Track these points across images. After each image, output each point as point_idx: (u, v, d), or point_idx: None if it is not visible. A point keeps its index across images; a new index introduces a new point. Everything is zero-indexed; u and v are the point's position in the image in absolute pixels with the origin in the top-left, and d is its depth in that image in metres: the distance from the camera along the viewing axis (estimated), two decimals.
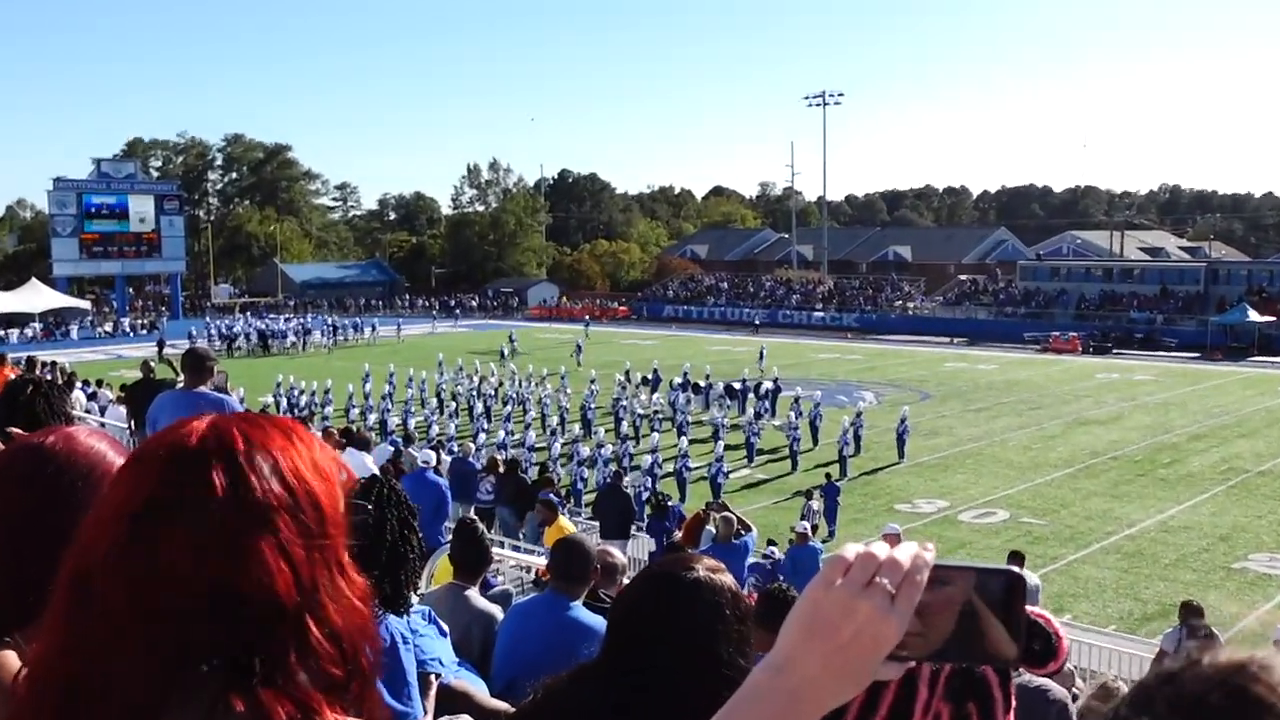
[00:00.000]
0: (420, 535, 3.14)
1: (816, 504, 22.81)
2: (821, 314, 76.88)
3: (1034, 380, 47.45)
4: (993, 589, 1.02)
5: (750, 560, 13.51)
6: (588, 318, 73.80)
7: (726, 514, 13.27)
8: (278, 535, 1.07)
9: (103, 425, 15.84)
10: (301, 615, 1.07)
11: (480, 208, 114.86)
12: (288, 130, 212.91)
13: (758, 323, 74.01)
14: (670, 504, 18.86)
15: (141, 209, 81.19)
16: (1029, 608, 1.07)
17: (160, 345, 50.08)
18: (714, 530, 13.61)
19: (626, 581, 5.64)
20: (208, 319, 71.86)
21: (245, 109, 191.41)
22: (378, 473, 12.41)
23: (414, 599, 3.25)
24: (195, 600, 1.03)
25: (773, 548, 15.86)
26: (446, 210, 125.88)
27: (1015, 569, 1.04)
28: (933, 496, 26.79)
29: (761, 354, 49.90)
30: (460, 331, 73.77)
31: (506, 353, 52.57)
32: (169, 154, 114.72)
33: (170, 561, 1.04)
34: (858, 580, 1.00)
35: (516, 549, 14.84)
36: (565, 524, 13.03)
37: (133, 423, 12.03)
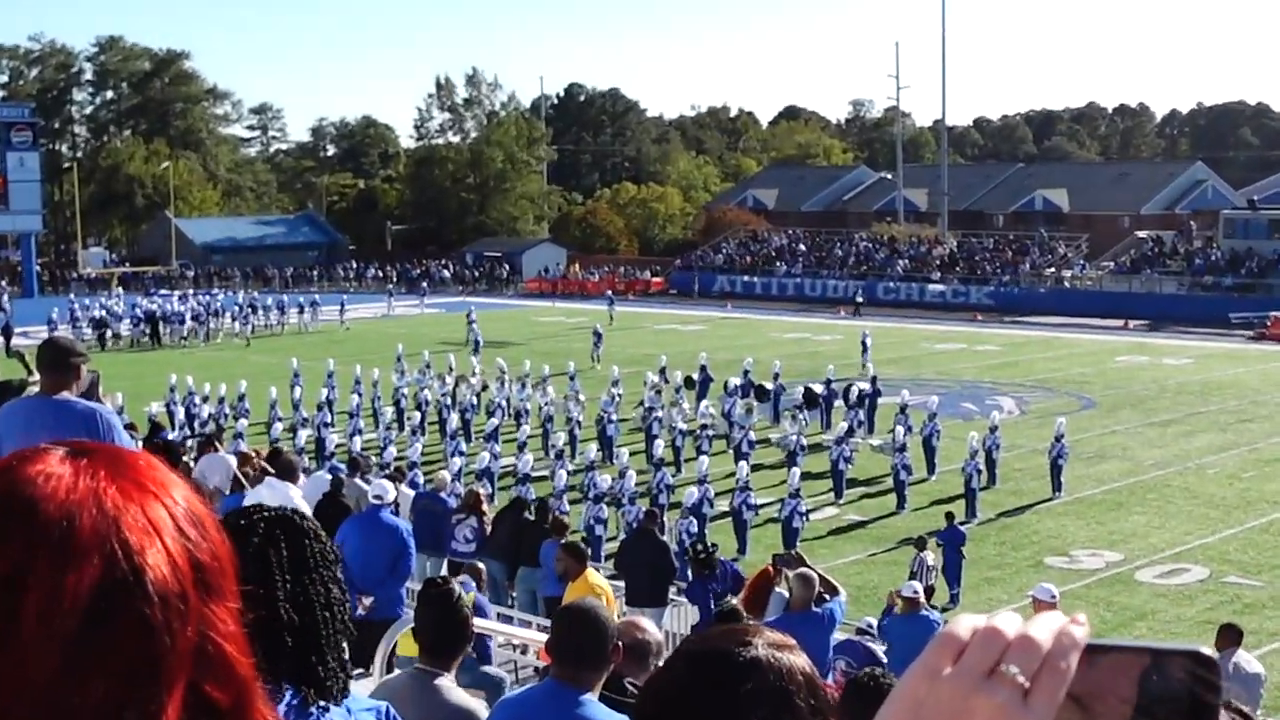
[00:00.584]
0: (343, 586, 3.13)
1: (932, 557, 22.69)
2: (940, 287, 76.65)
3: (1245, 381, 47.19)
4: (1173, 679, 1.00)
5: (837, 636, 13.52)
6: (611, 294, 73.58)
7: (804, 571, 13.25)
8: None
9: None
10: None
11: (455, 138, 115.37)
12: (183, 33, 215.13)
13: (859, 299, 73.68)
14: (721, 557, 18.87)
15: None
16: (1236, 704, 1.05)
17: (7, 334, 50.63)
18: (786, 594, 13.62)
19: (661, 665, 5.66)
20: (73, 296, 72.53)
21: (124, 2, 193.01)
22: (305, 510, 12.49)
23: (349, 685, 3.25)
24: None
25: (868, 619, 15.82)
26: (408, 142, 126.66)
27: (1206, 650, 1.01)
28: (1100, 547, 26.67)
29: (864, 344, 49.48)
30: (428, 313, 74.14)
31: (477, 341, 52.43)
32: (19, 65, 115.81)
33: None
34: (976, 668, 0.99)
35: (508, 620, 14.94)
36: (597, 581, 13.01)
37: None
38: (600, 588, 12.35)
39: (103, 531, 1.14)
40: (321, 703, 2.95)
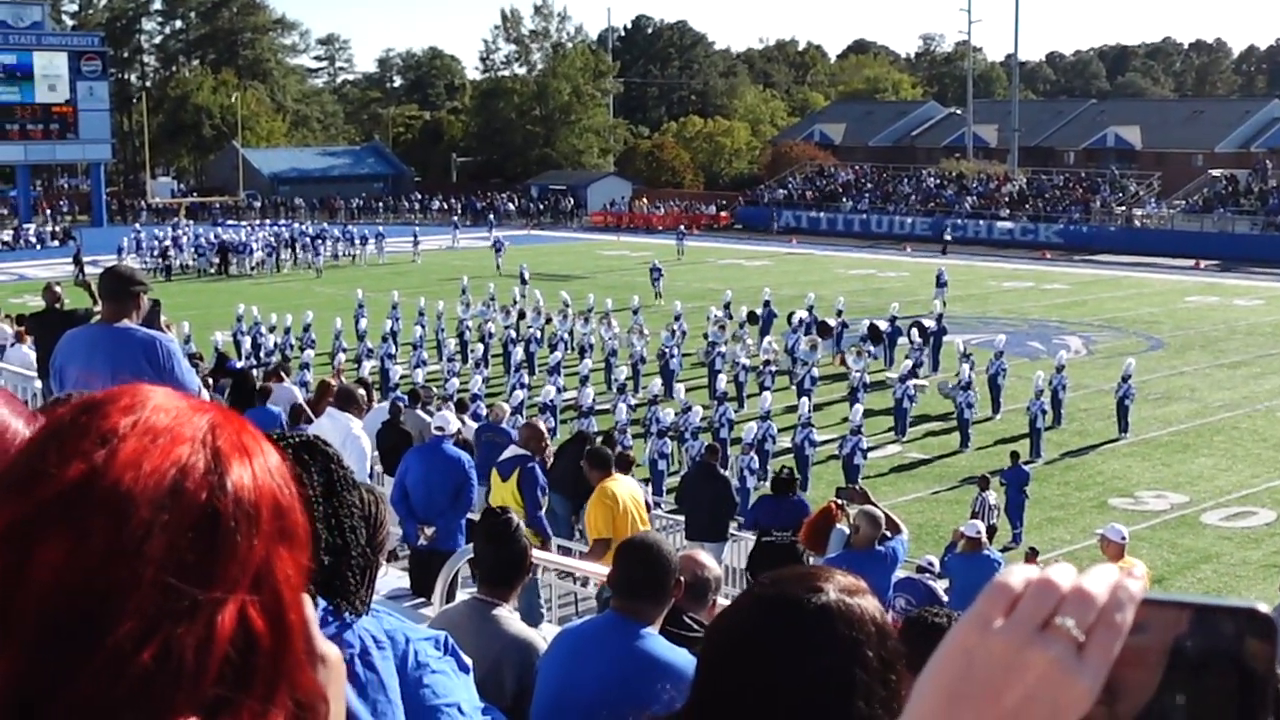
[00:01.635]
0: (365, 508, 3.20)
1: (995, 496, 22.67)
2: (1008, 224, 76.11)
3: None
4: (1222, 637, 0.93)
5: (898, 574, 13.50)
6: (682, 228, 73.38)
7: (868, 508, 13.18)
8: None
9: None
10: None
11: (521, 70, 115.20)
12: None
13: (947, 237, 72.30)
14: (798, 478, 18.76)
15: (51, 71, 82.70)
16: None
17: (78, 262, 51.17)
18: (847, 530, 13.59)
19: (723, 602, 5.63)
20: (139, 226, 73.18)
21: None
22: (366, 444, 12.45)
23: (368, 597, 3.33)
24: None
25: (929, 557, 15.79)
26: (473, 74, 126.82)
27: (1263, 608, 0.94)
28: (1164, 488, 26.55)
29: (940, 279, 49.05)
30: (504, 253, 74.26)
31: (521, 274, 51.72)
32: None
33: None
34: (1029, 620, 0.96)
35: (567, 552, 14.98)
36: (620, 487, 12.03)
37: (40, 370, 12.28)
38: (622, 498, 11.87)
39: (201, 432, 1.20)
40: (349, 615, 3.06)
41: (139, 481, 1.15)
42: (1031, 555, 18.34)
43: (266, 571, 1.19)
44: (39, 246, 72.99)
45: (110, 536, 1.13)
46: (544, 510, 14.29)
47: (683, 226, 75.14)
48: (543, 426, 15.73)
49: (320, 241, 66.09)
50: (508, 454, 13.87)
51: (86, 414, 1.20)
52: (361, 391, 13.36)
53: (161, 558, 1.14)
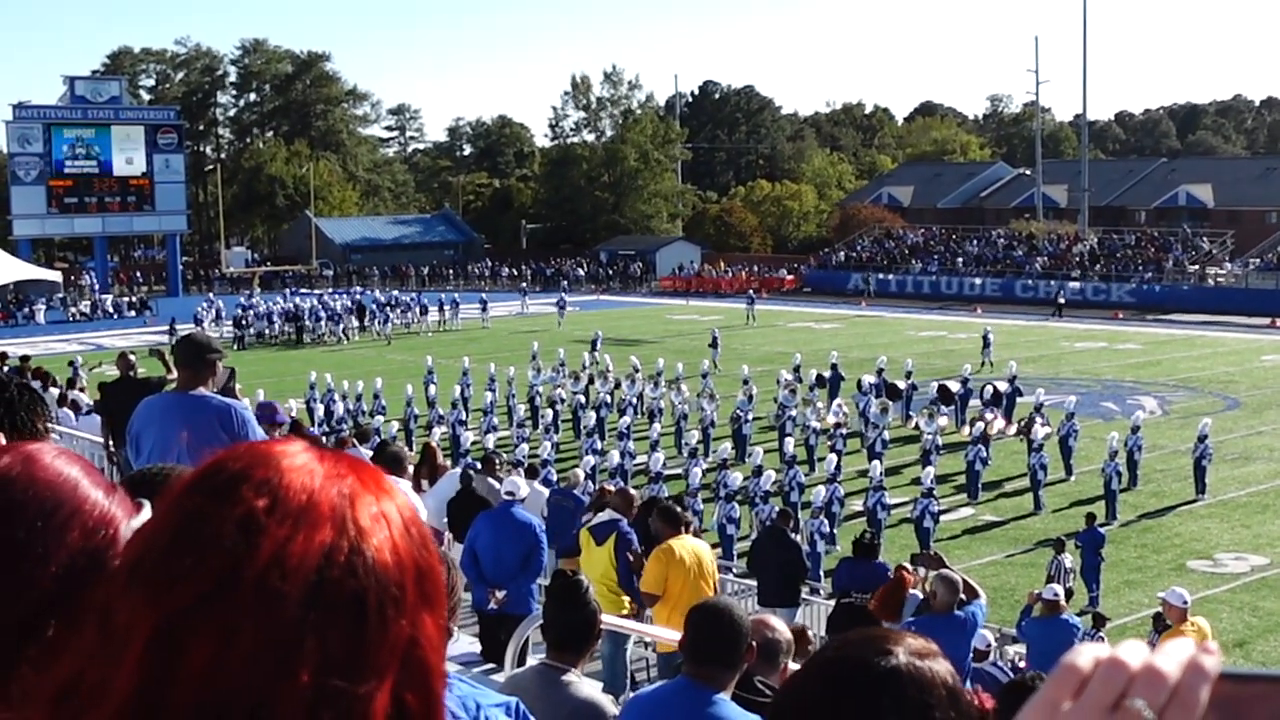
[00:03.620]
0: None
1: (1071, 560, 22.40)
2: (1079, 284, 75.58)
3: None
4: None
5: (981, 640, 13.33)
6: (751, 293, 72.83)
7: (946, 572, 12.99)
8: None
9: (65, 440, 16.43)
10: None
11: (590, 137, 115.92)
12: (324, 34, 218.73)
13: (1061, 300, 71.19)
14: (879, 542, 18.58)
15: (129, 145, 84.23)
16: None
17: (173, 334, 52.20)
18: (920, 595, 13.45)
19: (794, 667, 5.60)
20: (213, 295, 74.11)
21: (267, 7, 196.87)
22: (418, 505, 12.43)
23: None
24: None
25: (987, 638, 15.57)
26: (543, 142, 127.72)
27: None
28: (1245, 550, 26.16)
29: (986, 340, 49.12)
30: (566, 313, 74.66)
31: (594, 341, 51.67)
32: (165, 69, 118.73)
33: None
34: (1099, 703, 0.93)
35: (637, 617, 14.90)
36: (685, 545, 12.05)
37: (110, 438, 12.41)
38: (673, 550, 11.83)
39: (339, 508, 1.18)
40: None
41: (285, 577, 1.13)
42: (1099, 622, 18.06)
43: (413, 645, 1.18)
44: (116, 316, 74.11)
45: (259, 638, 1.11)
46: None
47: (752, 290, 75.04)
48: (634, 493, 15.72)
49: (390, 309, 66.67)
50: (602, 518, 13.88)
51: (217, 500, 1.18)
52: (408, 452, 13.46)
53: (314, 656, 1.12)
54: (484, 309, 67.57)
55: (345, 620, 1.14)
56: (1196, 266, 75.61)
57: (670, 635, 8.99)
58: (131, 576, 1.17)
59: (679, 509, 13.76)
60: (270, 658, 1.11)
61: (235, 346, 58.09)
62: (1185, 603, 14.91)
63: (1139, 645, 0.97)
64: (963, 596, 12.79)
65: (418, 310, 68.27)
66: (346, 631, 1.13)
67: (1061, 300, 71.16)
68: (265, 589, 1.12)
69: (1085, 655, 0.97)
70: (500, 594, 12.48)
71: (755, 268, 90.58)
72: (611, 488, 21.38)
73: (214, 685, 1.11)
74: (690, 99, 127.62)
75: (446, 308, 67.69)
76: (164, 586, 1.14)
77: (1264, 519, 28.44)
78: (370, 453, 18.37)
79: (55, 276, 79.03)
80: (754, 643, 5.06)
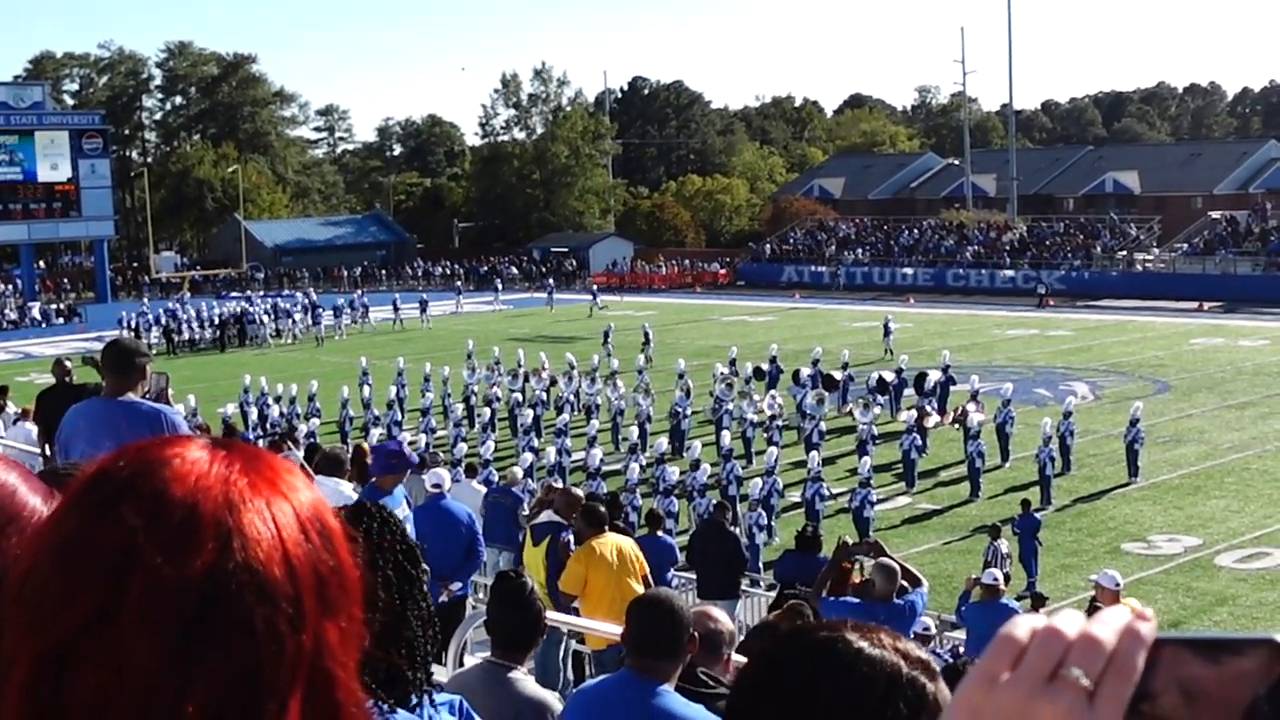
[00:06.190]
0: (426, 586, 3.15)
1: (1007, 545, 22.56)
2: (1010, 272, 76.13)
3: None
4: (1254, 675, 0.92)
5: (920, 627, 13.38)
6: (595, 288, 72.68)
7: (885, 560, 12.94)
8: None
9: None
10: None
11: (520, 134, 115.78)
12: (250, 36, 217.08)
13: (1041, 290, 70.03)
14: (821, 535, 18.45)
15: (53, 151, 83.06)
16: None
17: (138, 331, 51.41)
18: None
19: (737, 657, 5.61)
20: (145, 301, 73.34)
21: (192, 9, 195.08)
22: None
23: (427, 682, 3.25)
24: None
25: (925, 622, 15.65)
26: (473, 140, 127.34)
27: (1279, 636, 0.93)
28: (1177, 531, 26.42)
29: (887, 328, 49.84)
30: (499, 310, 74.60)
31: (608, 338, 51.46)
32: (89, 73, 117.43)
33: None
34: (1036, 673, 0.94)
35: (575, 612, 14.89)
36: (608, 543, 12.10)
37: (45, 446, 12.24)
38: (605, 550, 11.92)
39: (223, 522, 1.12)
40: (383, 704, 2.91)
41: (165, 607, 1.08)
42: (1038, 602, 18.24)
43: (317, 658, 1.14)
44: (44, 324, 73.21)
45: (146, 669, 1.07)
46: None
47: (595, 286, 76.08)
48: (579, 494, 15.61)
49: (320, 310, 66.07)
50: (543, 519, 13.89)
51: (96, 521, 1.12)
52: (348, 454, 13.42)
53: (204, 685, 1.08)
54: (423, 310, 67.05)
55: (233, 645, 1.09)
56: (1124, 252, 76.33)
57: (607, 629, 8.98)
58: (15, 602, 1.13)
59: (604, 509, 13.70)
60: (158, 689, 1.07)
61: (166, 352, 57.51)
62: (1118, 585, 15.04)
63: (1076, 615, 0.97)
64: (904, 584, 12.79)
65: (351, 311, 67.72)
66: (236, 656, 1.09)
67: (1043, 290, 70.04)
68: (146, 619, 1.08)
69: (1022, 626, 0.97)
70: (454, 585, 12.44)
71: (687, 262, 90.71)
72: (557, 485, 21.26)
73: (102, 719, 1.07)
74: (620, 95, 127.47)
75: (376, 309, 67.37)
76: (46, 614, 1.10)
77: (1195, 500, 28.72)
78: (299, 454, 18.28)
79: None
80: (696, 634, 5.07)
